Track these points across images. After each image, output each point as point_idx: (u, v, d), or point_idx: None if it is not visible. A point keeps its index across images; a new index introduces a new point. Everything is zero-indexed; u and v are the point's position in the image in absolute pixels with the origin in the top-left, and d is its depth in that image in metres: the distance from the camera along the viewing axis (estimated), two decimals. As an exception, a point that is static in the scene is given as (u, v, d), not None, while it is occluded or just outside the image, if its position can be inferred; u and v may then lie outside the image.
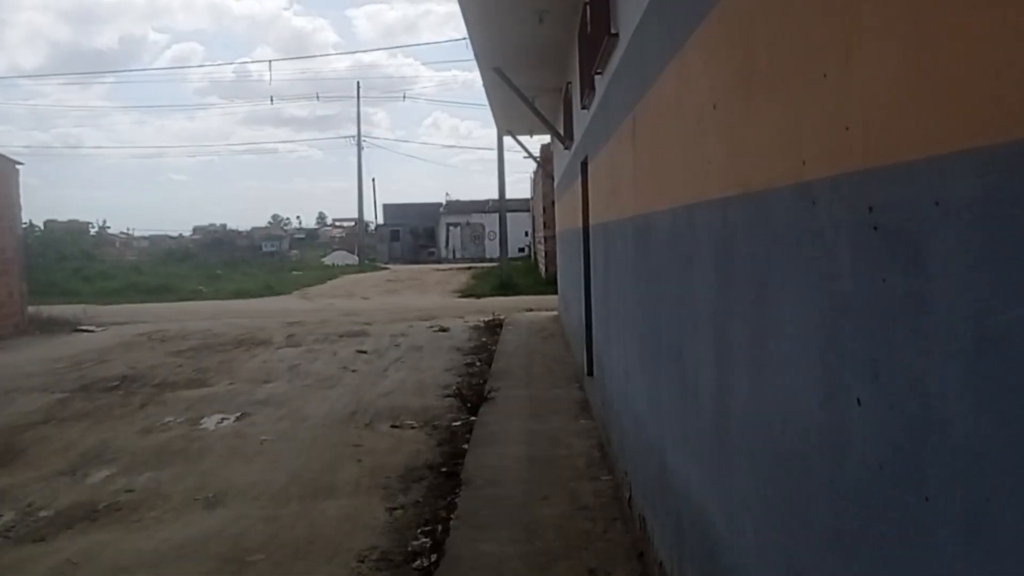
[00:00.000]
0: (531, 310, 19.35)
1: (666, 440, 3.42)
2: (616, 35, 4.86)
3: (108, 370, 12.25)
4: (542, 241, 27.65)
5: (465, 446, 7.10)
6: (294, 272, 40.12)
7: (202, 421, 8.59)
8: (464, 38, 9.96)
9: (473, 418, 8.21)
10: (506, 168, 27.08)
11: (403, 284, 32.07)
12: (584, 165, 8.39)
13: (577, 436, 7.15)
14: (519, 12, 8.51)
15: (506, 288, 26.47)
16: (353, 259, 52.07)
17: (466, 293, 26.68)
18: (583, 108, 7.43)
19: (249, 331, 16.86)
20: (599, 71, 5.86)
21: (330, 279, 35.89)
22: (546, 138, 21.32)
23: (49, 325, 18.66)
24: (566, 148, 10.86)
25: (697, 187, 2.67)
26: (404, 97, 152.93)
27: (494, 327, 16.03)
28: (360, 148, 50.35)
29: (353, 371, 11.40)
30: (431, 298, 25.70)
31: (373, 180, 70.02)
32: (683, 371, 3.00)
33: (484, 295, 25.58)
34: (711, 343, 2.56)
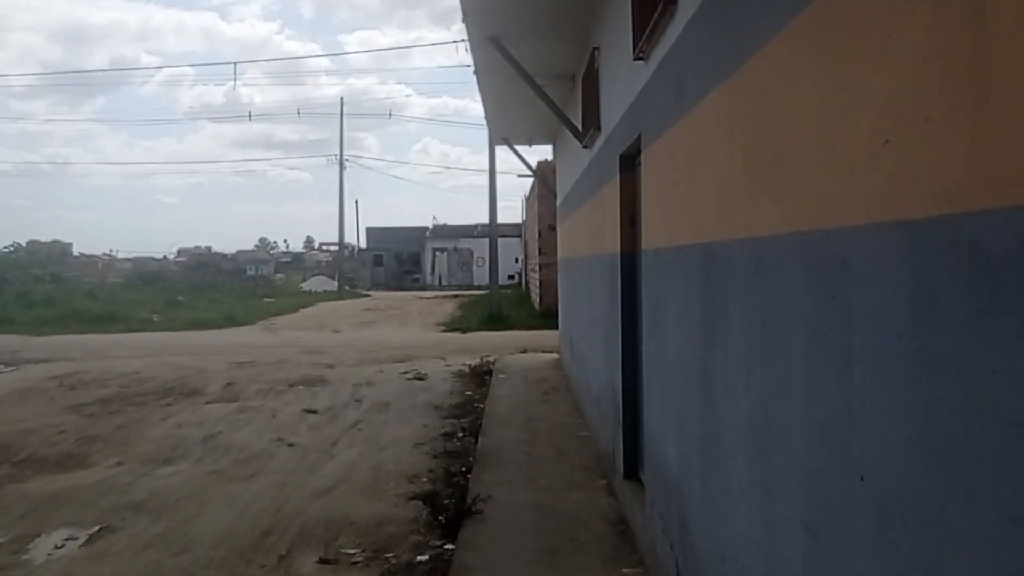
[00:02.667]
0: (525, 350, 16.36)
1: None
2: None
3: (-31, 435, 9.17)
4: (536, 269, 24.73)
5: (433, 625, 4.11)
6: (266, 299, 36.98)
7: (31, 546, 5.55)
8: (460, 41, 6.94)
9: (449, 547, 5.24)
10: (496, 194, 24.19)
11: (382, 314, 29.06)
12: (628, 159, 5.48)
13: (626, 611, 4.16)
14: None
15: (495, 321, 23.49)
16: (333, 285, 48.91)
17: (451, 326, 23.67)
18: (638, 59, 4.54)
19: (184, 375, 13.80)
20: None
21: (303, 307, 32.84)
22: (545, 152, 18.51)
23: (-51, 363, 15.54)
24: (585, 146, 7.97)
25: None
26: (390, 115, 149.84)
27: (482, 374, 13.04)
28: (342, 167, 47.39)
29: (290, 445, 8.36)
30: (411, 332, 22.68)
31: (356, 202, 66.01)
32: None
33: (471, 329, 22.60)
34: None
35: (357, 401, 11.01)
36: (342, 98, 53.48)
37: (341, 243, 48.78)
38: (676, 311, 3.67)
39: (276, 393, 11.77)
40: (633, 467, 5.57)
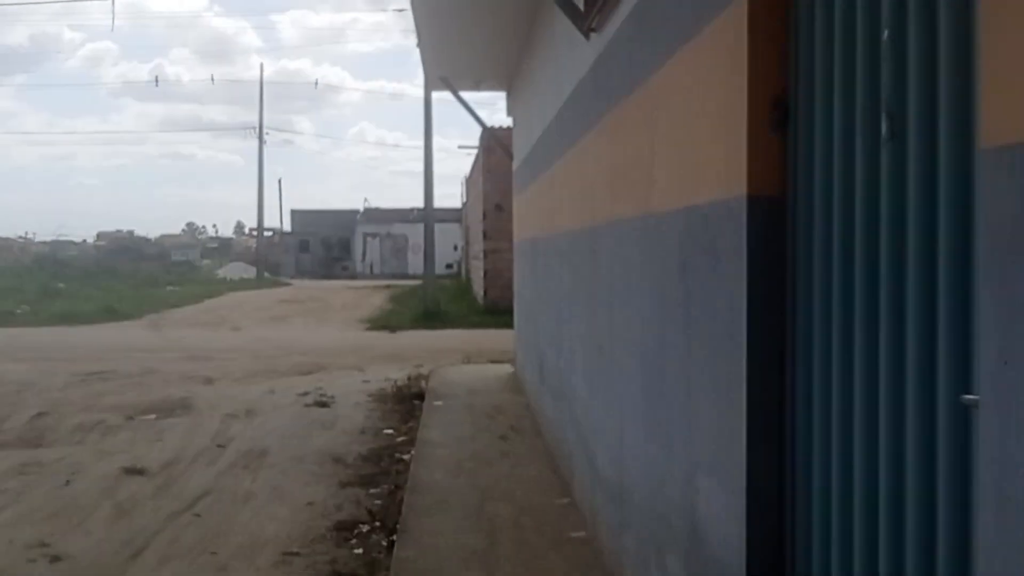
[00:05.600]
0: (469, 359, 12.80)
1: None
2: None
3: None
4: (480, 256, 21.18)
5: None
6: (169, 287, 32.55)
7: None
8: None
9: None
10: (432, 163, 20.44)
11: (299, 307, 25.13)
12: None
13: None
14: None
15: (431, 318, 19.85)
16: (253, 271, 44.40)
17: (378, 324, 19.97)
18: None
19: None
20: None
21: (209, 298, 28.61)
22: (497, 113, 15.05)
23: None
24: (592, 29, 4.46)
25: None
26: (316, 84, 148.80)
27: (411, 398, 9.47)
28: (261, 140, 42.90)
29: (54, 559, 4.66)
30: (329, 331, 18.89)
31: (280, 181, 59.43)
32: None
33: (402, 327, 18.98)
34: None
35: (219, 447, 7.33)
36: (261, 64, 48.81)
37: (260, 225, 44.32)
38: None
39: (103, 431, 7.99)
40: None
